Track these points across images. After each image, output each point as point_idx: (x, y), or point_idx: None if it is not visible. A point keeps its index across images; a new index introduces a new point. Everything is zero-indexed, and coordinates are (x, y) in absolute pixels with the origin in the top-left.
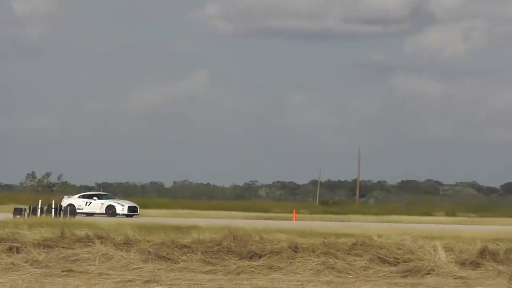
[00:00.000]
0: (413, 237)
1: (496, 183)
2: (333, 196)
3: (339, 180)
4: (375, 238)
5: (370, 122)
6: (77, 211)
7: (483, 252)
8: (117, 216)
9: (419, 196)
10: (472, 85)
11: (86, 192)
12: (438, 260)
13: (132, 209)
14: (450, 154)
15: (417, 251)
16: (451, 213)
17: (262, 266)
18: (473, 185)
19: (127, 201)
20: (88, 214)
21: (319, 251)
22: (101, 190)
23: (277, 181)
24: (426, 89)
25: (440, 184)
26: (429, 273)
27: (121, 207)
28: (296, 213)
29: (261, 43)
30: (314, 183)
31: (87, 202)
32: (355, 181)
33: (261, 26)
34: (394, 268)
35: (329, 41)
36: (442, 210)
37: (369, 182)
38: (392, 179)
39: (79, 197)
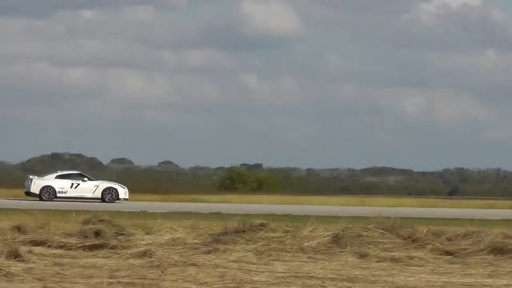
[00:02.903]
0: None
1: None
2: None
3: None
4: None
5: None
6: (58, 194)
7: None
8: (116, 201)
9: None
10: None
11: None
12: None
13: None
14: None
15: None
16: None
17: None
18: None
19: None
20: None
21: None
22: None
23: None
24: None
25: None
26: None
27: (123, 190)
28: None
29: None
30: None
31: (73, 184)
32: None
33: None
34: None
35: None
36: None
37: None
38: None
39: (57, 177)
